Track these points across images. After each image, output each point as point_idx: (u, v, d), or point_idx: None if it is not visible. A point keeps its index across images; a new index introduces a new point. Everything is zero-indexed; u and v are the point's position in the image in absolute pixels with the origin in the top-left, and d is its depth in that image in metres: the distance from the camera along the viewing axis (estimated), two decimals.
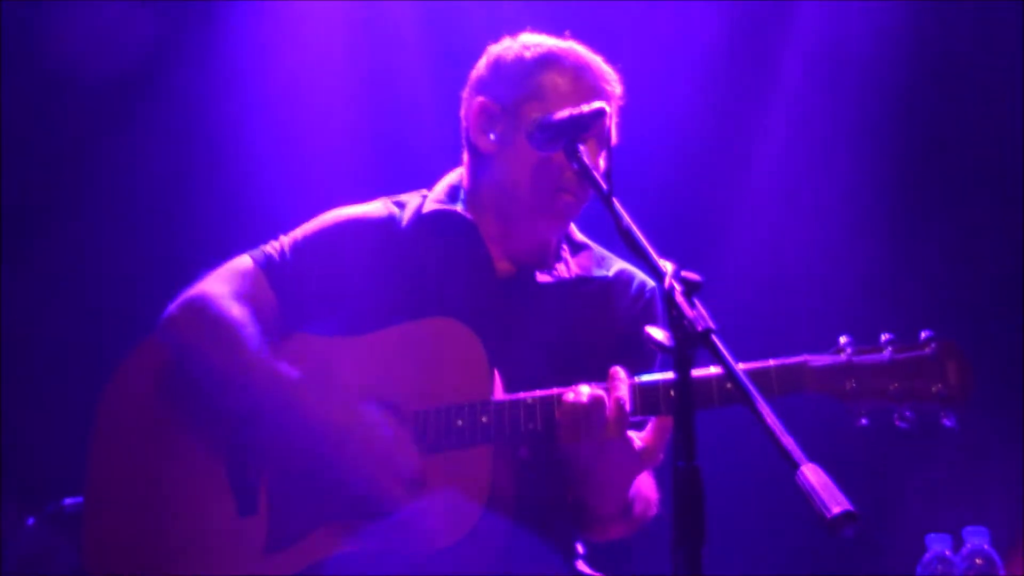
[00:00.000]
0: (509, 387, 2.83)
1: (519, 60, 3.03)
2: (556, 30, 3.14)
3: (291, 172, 4.91)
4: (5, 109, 4.80)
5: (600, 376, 2.78)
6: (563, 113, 2.79)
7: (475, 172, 3.09)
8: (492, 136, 3.01)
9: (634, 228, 2.41)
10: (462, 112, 3.10)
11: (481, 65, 3.10)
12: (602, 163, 2.80)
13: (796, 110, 5.07)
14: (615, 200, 2.47)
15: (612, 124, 2.91)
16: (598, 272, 3.10)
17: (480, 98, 3.05)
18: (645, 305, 3.09)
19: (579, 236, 3.16)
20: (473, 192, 3.08)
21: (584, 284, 3.08)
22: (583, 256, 3.12)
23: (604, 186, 2.51)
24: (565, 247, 3.12)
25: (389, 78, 4.96)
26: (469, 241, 3.03)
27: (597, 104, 2.72)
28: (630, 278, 3.11)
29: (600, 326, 3.04)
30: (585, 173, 2.61)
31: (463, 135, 3.10)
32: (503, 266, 3.05)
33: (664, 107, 4.90)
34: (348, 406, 2.82)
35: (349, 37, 5.04)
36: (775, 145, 5.11)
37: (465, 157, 3.12)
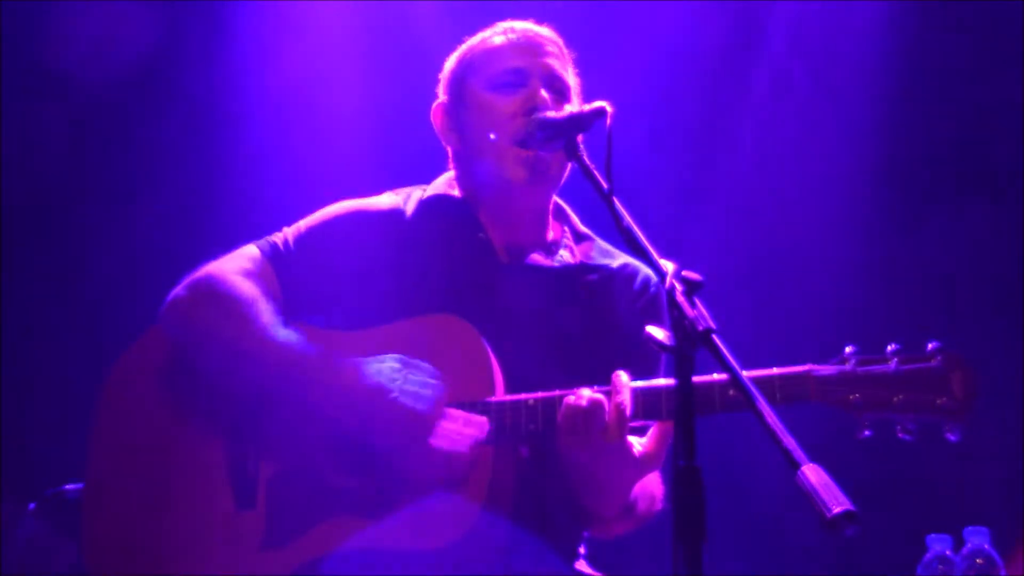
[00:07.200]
0: (510, 374, 2.82)
1: (454, 56, 3.14)
2: (564, 31, 3.14)
3: (295, 171, 4.91)
4: (6, 109, 4.80)
5: (601, 365, 2.77)
6: (563, 112, 2.81)
7: (459, 172, 3.12)
8: (455, 131, 3.09)
9: (634, 227, 2.40)
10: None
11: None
12: (544, 93, 2.92)
13: (802, 116, 5.08)
14: (615, 199, 2.47)
15: (565, 73, 3.02)
16: (602, 261, 3.10)
17: (435, 104, 3.13)
18: (650, 300, 3.08)
19: (583, 228, 3.16)
20: (465, 188, 3.10)
21: (588, 271, 3.07)
22: (587, 245, 3.12)
23: (605, 185, 2.51)
24: (569, 237, 3.12)
25: (392, 78, 4.96)
26: (469, 226, 3.03)
27: (597, 104, 2.71)
28: (635, 272, 3.10)
29: (602, 315, 3.03)
30: (587, 172, 2.60)
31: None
32: (505, 253, 3.05)
33: (669, 111, 4.91)
34: (374, 365, 2.77)
35: (353, 36, 5.04)
36: (779, 150, 5.11)
37: (449, 165, 3.16)
